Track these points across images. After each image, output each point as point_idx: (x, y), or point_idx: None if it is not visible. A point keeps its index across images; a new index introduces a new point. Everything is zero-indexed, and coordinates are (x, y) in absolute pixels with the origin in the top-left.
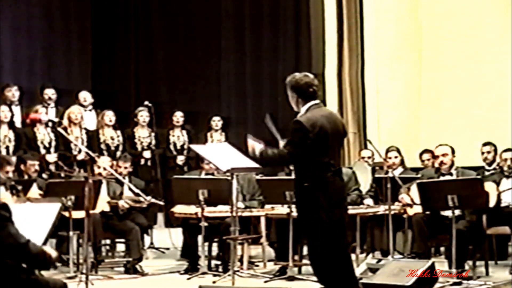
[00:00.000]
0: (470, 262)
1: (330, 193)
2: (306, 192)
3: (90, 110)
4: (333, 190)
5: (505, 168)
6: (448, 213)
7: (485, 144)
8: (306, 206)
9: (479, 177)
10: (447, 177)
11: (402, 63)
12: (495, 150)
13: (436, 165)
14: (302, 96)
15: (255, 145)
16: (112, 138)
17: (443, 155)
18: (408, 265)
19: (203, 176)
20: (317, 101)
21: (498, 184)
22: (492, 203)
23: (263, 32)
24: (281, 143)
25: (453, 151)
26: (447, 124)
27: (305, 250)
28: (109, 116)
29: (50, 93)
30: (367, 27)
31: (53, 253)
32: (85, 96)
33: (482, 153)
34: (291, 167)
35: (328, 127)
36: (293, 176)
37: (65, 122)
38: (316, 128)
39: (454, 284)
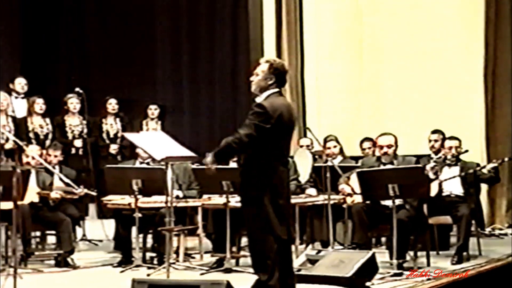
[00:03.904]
0: (412, 253)
1: (276, 183)
2: (252, 178)
3: (22, 97)
4: (279, 180)
5: (449, 157)
6: (388, 202)
7: (433, 132)
8: (250, 193)
9: (420, 165)
10: (388, 166)
11: (342, 51)
12: (444, 139)
13: (378, 154)
14: (279, 81)
15: (208, 160)
16: (41, 127)
17: (388, 146)
18: (348, 256)
19: (137, 164)
20: (278, 89)
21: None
22: (433, 192)
23: (200, 18)
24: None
25: (396, 140)
26: (387, 112)
27: (243, 241)
28: (40, 104)
29: None
30: (306, 15)
31: None
32: (22, 83)
33: (430, 140)
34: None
35: (286, 116)
36: (230, 165)
37: None
38: (276, 116)
39: (395, 275)
